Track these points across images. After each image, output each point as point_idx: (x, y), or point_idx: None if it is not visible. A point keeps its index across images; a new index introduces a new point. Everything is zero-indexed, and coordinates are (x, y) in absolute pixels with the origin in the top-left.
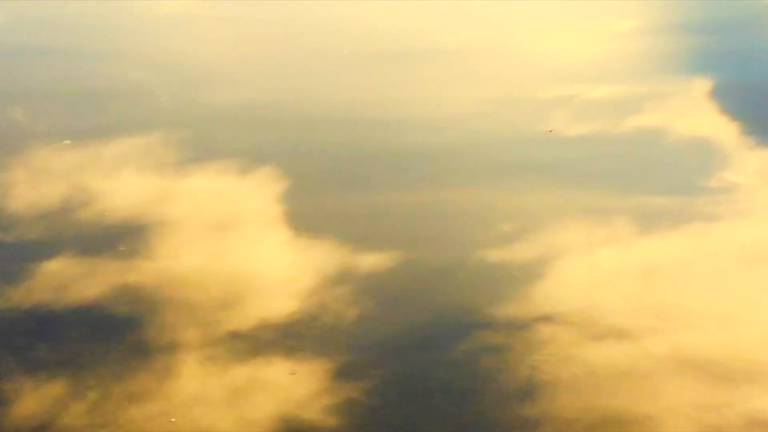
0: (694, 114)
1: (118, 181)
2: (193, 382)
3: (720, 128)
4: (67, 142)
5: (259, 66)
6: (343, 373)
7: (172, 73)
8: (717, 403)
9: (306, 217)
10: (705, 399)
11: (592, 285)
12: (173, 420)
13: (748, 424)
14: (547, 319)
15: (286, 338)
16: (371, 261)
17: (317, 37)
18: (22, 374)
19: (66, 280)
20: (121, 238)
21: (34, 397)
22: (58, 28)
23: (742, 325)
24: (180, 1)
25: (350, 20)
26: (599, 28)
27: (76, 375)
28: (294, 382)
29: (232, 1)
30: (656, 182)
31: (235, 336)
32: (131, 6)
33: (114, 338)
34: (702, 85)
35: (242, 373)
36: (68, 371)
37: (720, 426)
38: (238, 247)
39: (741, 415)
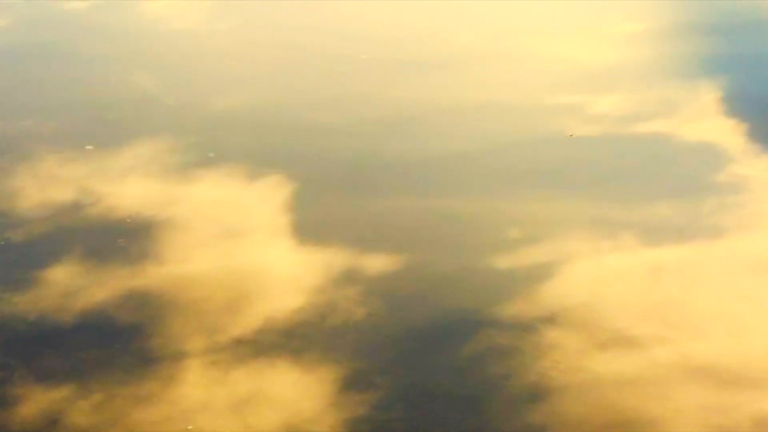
0: (702, 121)
1: (126, 187)
2: (200, 388)
3: (728, 135)
4: (90, 147)
5: (273, 71)
6: (349, 379)
7: (182, 77)
8: (724, 406)
9: (313, 221)
10: (712, 402)
11: (598, 291)
12: (190, 428)
13: (755, 426)
14: (554, 325)
15: (292, 341)
16: (378, 266)
17: (339, 41)
18: (29, 380)
19: (74, 286)
20: (128, 243)
21: (40, 403)
22: (63, 31)
23: (748, 332)
24: (201, 4)
25: (370, 25)
26: (606, 31)
27: (83, 382)
28: (300, 391)
29: (249, 7)
30: (663, 189)
31: (240, 340)
32: (140, 8)
33: (121, 345)
34: (710, 91)
35: (249, 378)
36: (74, 378)
37: (727, 428)
38: (245, 251)
39: (748, 418)
